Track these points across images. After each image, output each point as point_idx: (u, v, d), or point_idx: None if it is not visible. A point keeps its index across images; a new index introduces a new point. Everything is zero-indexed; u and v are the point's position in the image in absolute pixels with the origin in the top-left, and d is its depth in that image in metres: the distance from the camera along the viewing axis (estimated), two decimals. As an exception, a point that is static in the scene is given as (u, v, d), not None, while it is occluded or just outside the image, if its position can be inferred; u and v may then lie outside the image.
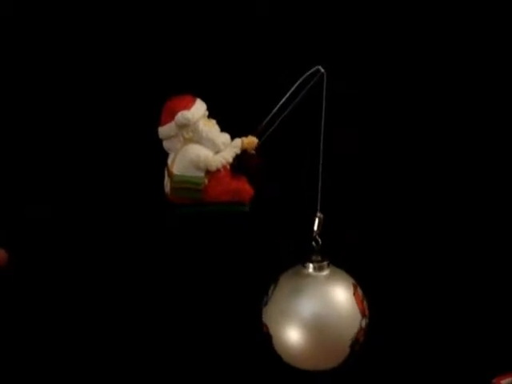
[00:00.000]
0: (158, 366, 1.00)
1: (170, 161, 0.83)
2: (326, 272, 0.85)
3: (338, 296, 0.83)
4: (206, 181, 0.82)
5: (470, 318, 1.00)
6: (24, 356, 0.99)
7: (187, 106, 0.82)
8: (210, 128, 0.83)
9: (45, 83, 0.96)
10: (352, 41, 0.93)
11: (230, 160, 0.82)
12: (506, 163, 0.98)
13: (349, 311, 0.83)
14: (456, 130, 0.97)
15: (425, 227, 0.99)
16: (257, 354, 0.94)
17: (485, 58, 0.96)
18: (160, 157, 0.83)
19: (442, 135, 0.97)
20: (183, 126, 0.82)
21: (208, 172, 0.82)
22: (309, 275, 0.85)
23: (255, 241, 0.96)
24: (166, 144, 0.83)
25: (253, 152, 0.83)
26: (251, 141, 0.83)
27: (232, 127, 0.83)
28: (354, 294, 0.84)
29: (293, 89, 0.82)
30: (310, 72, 0.81)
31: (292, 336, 0.83)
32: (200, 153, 0.82)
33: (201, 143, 0.82)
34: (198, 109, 0.82)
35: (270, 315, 0.85)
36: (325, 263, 0.85)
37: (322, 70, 0.81)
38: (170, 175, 0.82)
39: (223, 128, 0.83)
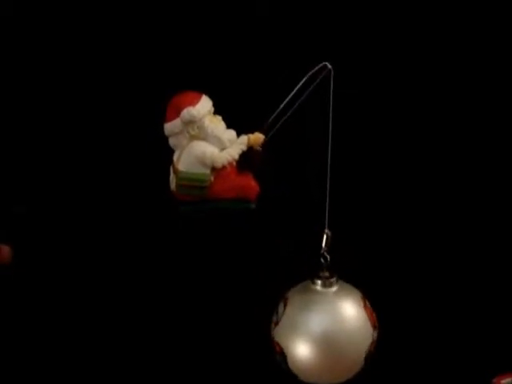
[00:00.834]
0: (157, 366, 1.00)
1: (175, 158, 0.82)
2: (335, 288, 0.85)
3: (351, 311, 0.84)
4: (212, 178, 0.81)
5: (469, 319, 1.00)
6: (24, 356, 0.98)
7: (193, 103, 0.81)
8: (216, 125, 0.82)
9: (45, 81, 0.96)
10: (359, 37, 0.94)
11: (236, 157, 0.82)
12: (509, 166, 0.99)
13: (362, 325, 0.84)
14: (468, 150, 0.98)
15: (428, 236, 1.01)
16: (256, 354, 0.94)
17: (487, 61, 0.97)
18: (166, 154, 0.82)
19: (456, 151, 0.98)
20: (189, 123, 0.81)
21: (214, 169, 0.81)
22: (319, 292, 0.85)
23: (260, 239, 0.96)
24: (171, 141, 0.82)
25: (259, 149, 0.83)
26: (257, 137, 0.82)
27: (238, 124, 0.82)
28: (365, 307, 0.84)
29: (299, 85, 0.81)
30: (316, 68, 0.81)
31: (309, 354, 0.82)
32: (206, 149, 0.81)
33: (207, 140, 0.82)
34: (204, 105, 0.82)
35: (283, 335, 0.84)
36: (334, 279, 0.85)
37: (329, 67, 0.81)
38: (176, 172, 0.82)
39: (229, 124, 0.83)
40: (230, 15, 0.93)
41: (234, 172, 0.82)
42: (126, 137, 0.95)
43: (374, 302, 0.86)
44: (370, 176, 0.99)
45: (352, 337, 0.82)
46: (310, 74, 0.81)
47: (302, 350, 0.82)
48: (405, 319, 1.00)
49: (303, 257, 0.89)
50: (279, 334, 0.84)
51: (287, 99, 0.81)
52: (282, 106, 0.81)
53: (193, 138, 0.82)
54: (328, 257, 0.84)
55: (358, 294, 0.86)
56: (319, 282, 0.85)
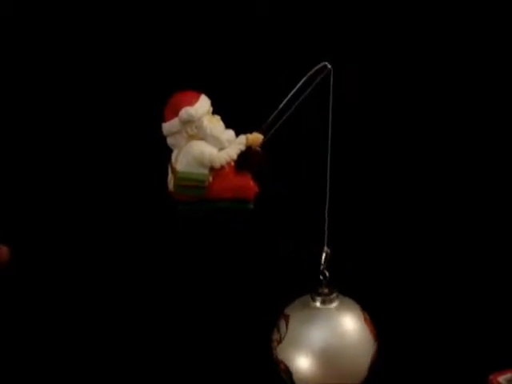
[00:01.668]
0: (157, 366, 1.00)
1: (173, 157, 0.82)
2: (335, 303, 0.85)
3: (352, 325, 0.84)
4: (210, 178, 0.81)
5: (469, 319, 1.00)
6: (24, 356, 0.98)
7: (191, 102, 0.81)
8: (215, 124, 0.82)
9: (45, 81, 0.96)
10: (359, 37, 0.93)
11: (235, 157, 0.81)
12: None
13: (363, 338, 0.85)
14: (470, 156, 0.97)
15: (426, 247, 1.01)
16: (256, 354, 0.93)
17: (487, 61, 0.96)
18: (164, 153, 0.82)
19: (459, 159, 0.97)
20: (187, 123, 0.81)
21: (212, 169, 0.81)
22: (319, 309, 0.85)
23: (260, 239, 0.95)
24: (169, 140, 0.82)
25: (258, 149, 0.82)
26: (256, 137, 0.82)
27: (237, 124, 0.82)
28: (365, 320, 0.85)
29: (299, 85, 0.81)
30: (316, 68, 0.81)
31: (314, 370, 0.83)
32: (204, 149, 0.81)
33: (205, 140, 0.81)
34: (202, 105, 0.81)
35: (287, 353, 0.84)
36: (334, 295, 0.86)
37: (329, 66, 0.81)
38: (174, 172, 0.81)
39: (228, 124, 0.82)
40: (229, 15, 0.93)
41: (232, 172, 0.82)
42: (125, 137, 0.95)
43: (372, 312, 0.87)
44: (369, 181, 0.98)
45: (355, 350, 0.83)
46: (309, 74, 0.81)
47: (307, 367, 0.83)
48: (404, 328, 1.00)
49: (303, 257, 0.89)
50: (283, 351, 0.85)
51: (286, 99, 0.81)
52: (281, 106, 0.81)
53: (191, 137, 0.81)
54: (327, 274, 0.85)
55: (357, 308, 0.86)
56: (319, 298, 0.85)
